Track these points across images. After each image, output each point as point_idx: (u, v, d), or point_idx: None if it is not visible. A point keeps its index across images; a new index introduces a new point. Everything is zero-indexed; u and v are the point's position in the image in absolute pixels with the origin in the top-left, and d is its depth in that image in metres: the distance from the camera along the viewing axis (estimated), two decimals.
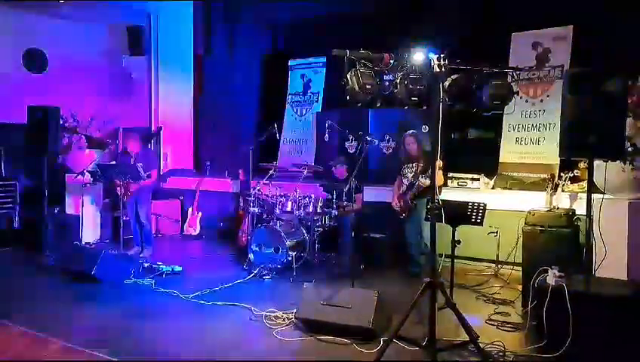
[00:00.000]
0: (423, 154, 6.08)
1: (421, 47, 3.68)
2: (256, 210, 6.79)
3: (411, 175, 6.09)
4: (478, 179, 6.99)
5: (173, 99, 9.82)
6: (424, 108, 3.94)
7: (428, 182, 5.38)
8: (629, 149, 4.72)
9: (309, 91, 9.29)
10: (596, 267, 4.40)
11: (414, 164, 6.14)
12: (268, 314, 4.78)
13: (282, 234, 6.18)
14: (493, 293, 5.54)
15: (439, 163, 5.30)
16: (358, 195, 6.59)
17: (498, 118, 7.14)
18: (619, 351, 3.71)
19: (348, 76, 3.75)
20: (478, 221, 5.14)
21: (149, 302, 5.38)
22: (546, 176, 6.17)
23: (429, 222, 3.86)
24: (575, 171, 5.99)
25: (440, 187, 5.46)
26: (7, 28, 8.91)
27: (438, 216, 3.81)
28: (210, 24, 10.32)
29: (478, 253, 6.54)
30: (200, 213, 8.75)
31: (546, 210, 5.20)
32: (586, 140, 3.93)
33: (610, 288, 4.04)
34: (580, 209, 4.98)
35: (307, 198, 6.39)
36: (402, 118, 7.39)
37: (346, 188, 6.28)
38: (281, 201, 6.49)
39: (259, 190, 6.94)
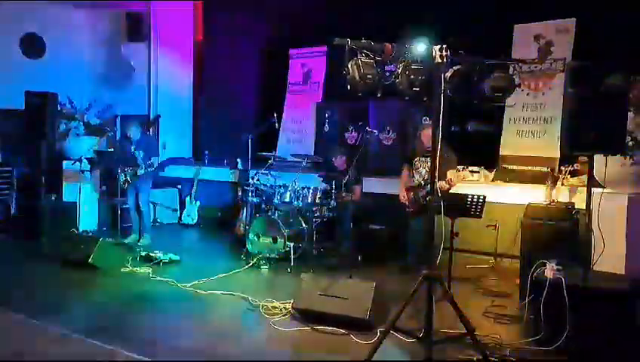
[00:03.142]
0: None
1: (423, 38, 3.65)
2: (254, 199, 6.78)
3: (424, 170, 5.90)
4: (478, 172, 6.97)
5: (173, 87, 9.77)
6: (424, 99, 3.91)
7: (447, 186, 5.31)
8: (630, 143, 4.71)
9: (309, 81, 9.24)
10: (594, 261, 4.40)
11: (428, 159, 5.98)
12: (265, 303, 4.77)
13: (280, 224, 6.17)
14: (490, 286, 5.55)
15: (461, 173, 5.24)
16: (357, 186, 6.58)
17: (499, 111, 7.11)
18: (616, 345, 3.72)
19: (349, 65, 3.72)
20: (477, 213, 5.14)
21: (146, 290, 5.37)
22: (545, 169, 6.16)
23: None
24: (575, 165, 5.97)
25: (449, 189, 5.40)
26: (5, 13, 8.83)
27: (438, 208, 3.79)
28: (210, 12, 10.26)
29: (477, 246, 6.54)
30: (198, 202, 8.75)
31: (546, 203, 5.20)
32: (586, 134, 3.91)
33: (607, 282, 4.04)
34: (580, 203, 4.97)
35: (306, 189, 6.37)
36: (403, 109, 7.35)
37: (345, 179, 6.26)
38: (279, 191, 6.48)
39: (257, 180, 6.93)
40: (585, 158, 5.30)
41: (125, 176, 6.85)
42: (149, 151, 6.96)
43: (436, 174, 3.70)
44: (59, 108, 7.97)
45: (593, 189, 4.28)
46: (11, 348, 3.94)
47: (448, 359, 3.72)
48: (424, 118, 7.11)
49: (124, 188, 6.95)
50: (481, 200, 5.12)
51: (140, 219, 7.24)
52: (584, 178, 5.42)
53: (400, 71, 3.79)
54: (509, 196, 6.38)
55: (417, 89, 3.74)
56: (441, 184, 5.50)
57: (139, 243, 7.08)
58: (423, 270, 3.62)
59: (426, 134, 5.99)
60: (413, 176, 6.07)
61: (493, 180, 6.97)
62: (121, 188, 6.89)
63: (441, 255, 4.17)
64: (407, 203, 5.98)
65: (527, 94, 7.04)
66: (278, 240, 6.18)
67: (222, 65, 9.85)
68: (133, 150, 6.87)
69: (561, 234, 4.88)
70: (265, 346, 4.09)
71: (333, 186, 6.35)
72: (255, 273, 6.00)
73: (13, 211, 7.71)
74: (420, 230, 5.86)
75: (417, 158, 6.09)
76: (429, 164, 5.87)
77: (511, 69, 6.72)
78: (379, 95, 3.94)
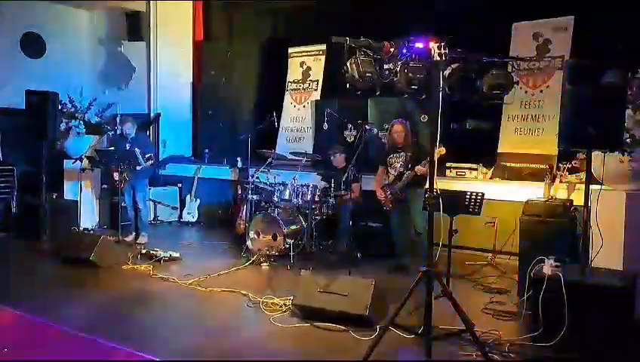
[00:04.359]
0: (411, 144, 6.01)
1: (422, 36, 3.67)
2: (254, 197, 6.80)
3: (399, 164, 5.98)
4: (477, 169, 6.99)
5: (172, 86, 9.78)
6: (423, 97, 3.93)
7: (425, 169, 5.34)
8: (628, 140, 4.72)
9: (308, 79, 9.25)
10: (592, 257, 4.42)
11: (402, 153, 6.00)
12: (265, 300, 4.80)
13: (280, 221, 6.19)
14: (489, 283, 5.56)
15: (442, 150, 5.23)
16: (355, 184, 6.60)
17: (497, 108, 7.13)
18: (613, 341, 3.74)
19: (348, 64, 3.75)
20: (476, 211, 5.16)
21: (147, 287, 5.40)
22: (544, 166, 6.18)
23: (424, 212, 3.86)
24: (573, 162, 5.99)
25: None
26: (5, 12, 8.83)
27: (437, 205, 3.81)
28: (210, 10, 10.27)
29: (475, 243, 6.56)
30: (198, 200, 8.77)
31: (544, 200, 5.22)
32: (584, 131, 3.93)
33: (605, 278, 4.06)
34: (578, 199, 4.99)
35: (305, 187, 6.40)
36: (402, 107, 7.36)
37: (344, 177, 6.28)
38: (279, 189, 6.50)
39: (257, 178, 6.95)
40: (583, 155, 5.34)
41: (121, 175, 6.86)
42: (144, 148, 6.98)
43: (434, 172, 3.72)
44: (59, 107, 7.98)
45: (591, 186, 4.29)
46: (12, 346, 3.96)
47: (447, 355, 3.75)
48: (423, 115, 7.12)
49: (121, 187, 6.98)
50: (479, 198, 5.14)
51: (137, 217, 7.27)
52: (582, 175, 5.45)
53: (399, 69, 3.81)
54: (507, 193, 6.41)
55: (416, 87, 3.77)
56: (422, 168, 5.55)
57: (139, 241, 7.11)
58: (420, 267, 3.64)
59: (397, 130, 6.02)
60: (388, 173, 6.09)
61: (491, 177, 7.00)
62: (118, 187, 6.92)
63: (440, 252, 4.20)
64: (384, 201, 6.01)
65: (526, 92, 7.06)
66: (278, 237, 6.20)
67: (221, 63, 9.85)
68: (127, 148, 6.90)
69: (559, 231, 4.91)
70: (265, 342, 4.10)
71: (332, 184, 6.38)
72: (255, 270, 6.02)
73: (14, 210, 7.71)
74: (400, 221, 5.93)
75: (391, 155, 6.12)
76: (401, 158, 5.93)
77: (509, 67, 6.76)
78: (377, 93, 3.97)
